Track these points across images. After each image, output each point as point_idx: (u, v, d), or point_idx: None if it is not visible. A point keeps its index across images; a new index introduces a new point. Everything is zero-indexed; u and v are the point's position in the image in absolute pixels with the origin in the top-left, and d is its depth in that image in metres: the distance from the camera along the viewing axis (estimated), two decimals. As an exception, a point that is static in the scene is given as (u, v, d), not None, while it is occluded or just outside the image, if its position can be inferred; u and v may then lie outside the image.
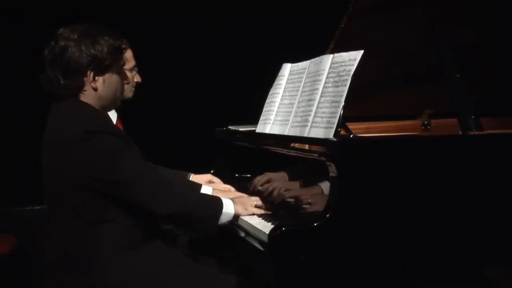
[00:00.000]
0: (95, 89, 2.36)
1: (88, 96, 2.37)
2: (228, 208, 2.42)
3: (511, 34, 2.96)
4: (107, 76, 2.38)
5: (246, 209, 2.48)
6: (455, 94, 2.56)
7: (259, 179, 2.97)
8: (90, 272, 2.28)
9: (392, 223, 2.24)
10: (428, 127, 3.36)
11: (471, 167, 2.35)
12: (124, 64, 2.82)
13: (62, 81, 2.31)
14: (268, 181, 2.93)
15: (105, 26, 2.42)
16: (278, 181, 2.87)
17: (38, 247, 2.48)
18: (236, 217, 2.47)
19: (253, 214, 2.50)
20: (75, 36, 2.31)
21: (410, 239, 2.27)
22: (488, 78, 3.18)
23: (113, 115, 3.11)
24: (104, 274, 2.28)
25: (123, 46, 2.44)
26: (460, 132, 2.50)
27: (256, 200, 2.56)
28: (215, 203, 2.42)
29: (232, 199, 2.49)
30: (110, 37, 2.36)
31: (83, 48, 2.29)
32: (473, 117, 2.49)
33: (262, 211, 2.53)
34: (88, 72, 2.33)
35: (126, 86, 3.02)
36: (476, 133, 2.47)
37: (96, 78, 2.35)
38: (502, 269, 2.49)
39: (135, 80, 3.15)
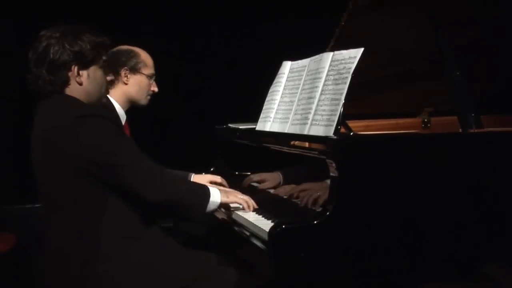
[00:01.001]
0: (80, 84, 2.39)
1: (74, 91, 2.40)
2: (215, 197, 2.49)
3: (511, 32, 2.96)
4: (91, 70, 2.41)
5: (227, 197, 2.54)
6: (455, 92, 2.56)
7: (253, 177, 3.00)
8: (90, 262, 2.30)
9: (392, 221, 2.24)
10: (428, 125, 3.37)
11: (471, 165, 2.35)
12: (140, 68, 2.85)
13: (47, 77, 2.35)
14: (262, 180, 2.95)
15: (110, 31, 2.48)
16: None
17: (38, 245, 2.48)
18: (222, 205, 2.53)
19: (235, 203, 2.57)
20: (57, 35, 2.36)
21: (409, 236, 2.27)
22: (488, 76, 3.18)
23: (122, 117, 3.11)
24: (105, 263, 2.30)
25: (106, 42, 2.48)
26: (460, 130, 2.50)
27: (241, 194, 2.60)
28: (203, 192, 2.49)
29: (219, 189, 2.57)
30: (92, 35, 2.41)
31: (66, 45, 2.34)
32: (473, 115, 2.49)
33: (243, 200, 2.56)
34: (72, 67, 2.37)
35: (141, 93, 3.11)
36: (476, 131, 2.47)
37: (81, 72, 2.39)
38: (503, 266, 2.49)
39: (152, 88, 3.17)
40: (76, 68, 2.37)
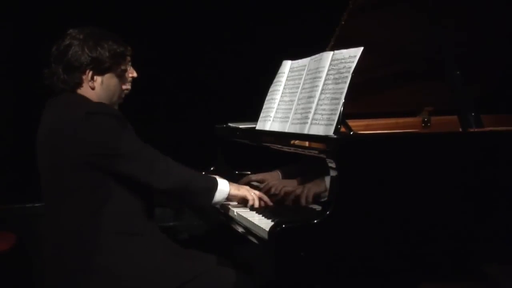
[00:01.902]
0: (92, 88, 2.45)
1: (85, 93, 2.45)
2: (223, 186, 2.51)
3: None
4: (106, 77, 2.47)
5: (238, 190, 2.55)
6: (455, 91, 2.55)
7: (252, 177, 3.01)
8: (89, 255, 2.33)
9: (392, 220, 2.24)
10: (428, 124, 3.36)
11: (471, 164, 2.35)
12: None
13: (61, 76, 2.41)
14: (262, 180, 2.95)
15: (111, 31, 2.51)
16: (281, 181, 2.88)
17: (39, 244, 2.49)
18: (232, 197, 2.54)
19: (246, 198, 2.56)
20: (81, 37, 2.41)
21: (409, 236, 2.27)
22: (489, 75, 3.18)
23: None
24: (104, 257, 2.33)
25: (127, 52, 2.53)
26: (460, 129, 2.50)
27: (253, 191, 2.60)
28: (211, 180, 2.52)
29: (229, 181, 2.57)
30: (114, 43, 2.46)
31: (85, 49, 2.40)
32: (473, 114, 2.49)
33: (253, 198, 2.56)
34: (87, 71, 2.42)
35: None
36: (476, 130, 2.47)
37: (95, 78, 2.44)
38: (503, 266, 2.49)
39: (130, 74, 3.12)
40: (90, 73, 2.42)
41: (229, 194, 2.53)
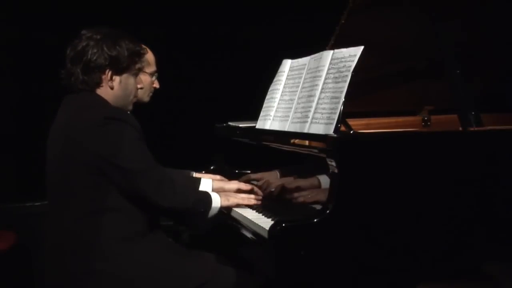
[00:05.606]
0: (111, 88, 2.46)
1: (103, 94, 2.46)
2: (216, 203, 2.51)
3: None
4: (124, 77, 2.48)
5: (228, 200, 2.56)
6: (455, 90, 2.55)
7: (251, 176, 3.01)
8: (90, 258, 2.32)
9: (392, 219, 2.25)
10: (429, 123, 3.37)
11: (471, 163, 2.35)
12: (143, 67, 2.88)
13: (81, 77, 2.42)
14: (261, 179, 2.96)
15: (124, 31, 2.53)
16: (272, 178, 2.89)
17: (39, 243, 2.49)
18: (223, 208, 2.55)
19: (238, 205, 2.59)
20: (98, 37, 2.42)
21: (409, 235, 2.27)
22: (489, 74, 3.18)
23: None
24: (105, 260, 2.32)
25: (142, 51, 2.55)
26: (461, 128, 2.50)
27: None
28: (207, 200, 2.51)
29: (218, 193, 2.58)
30: (131, 42, 2.48)
31: (104, 48, 2.41)
32: (473, 113, 2.49)
33: (244, 200, 2.60)
34: (107, 71, 2.43)
35: (142, 90, 3.06)
36: (476, 129, 2.47)
37: (114, 77, 2.45)
38: (503, 266, 2.49)
39: (154, 85, 3.14)
40: (110, 73, 2.43)
41: (220, 208, 2.54)
